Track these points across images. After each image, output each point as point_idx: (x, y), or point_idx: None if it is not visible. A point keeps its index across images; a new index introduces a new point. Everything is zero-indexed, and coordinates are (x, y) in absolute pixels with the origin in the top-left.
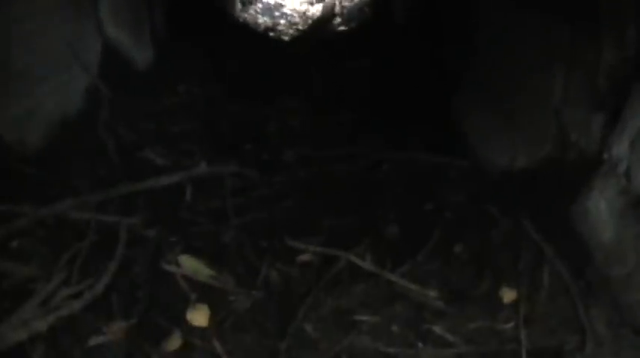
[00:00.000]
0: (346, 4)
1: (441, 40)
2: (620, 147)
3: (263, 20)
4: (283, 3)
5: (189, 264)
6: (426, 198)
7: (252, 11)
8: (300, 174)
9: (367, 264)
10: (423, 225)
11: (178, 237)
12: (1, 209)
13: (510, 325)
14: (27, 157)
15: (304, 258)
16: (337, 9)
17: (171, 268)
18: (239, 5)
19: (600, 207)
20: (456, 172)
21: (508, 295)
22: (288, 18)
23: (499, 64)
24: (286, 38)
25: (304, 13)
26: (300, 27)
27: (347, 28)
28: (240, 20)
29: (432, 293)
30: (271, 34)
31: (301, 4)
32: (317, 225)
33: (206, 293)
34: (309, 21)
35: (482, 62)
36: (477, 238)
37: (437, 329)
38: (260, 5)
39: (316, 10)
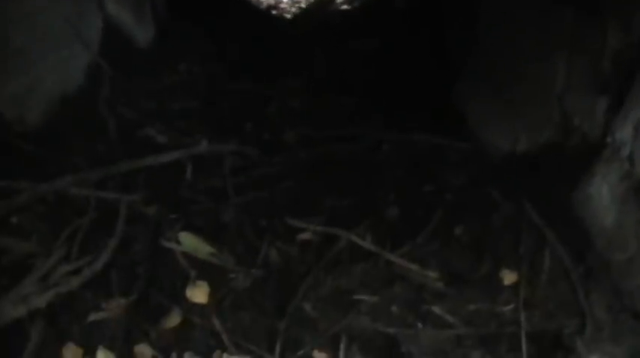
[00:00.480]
0: None
1: (442, 25)
2: (624, 132)
3: None
4: None
5: (189, 242)
6: (427, 180)
7: None
8: (300, 154)
9: (367, 244)
10: (424, 207)
11: (178, 214)
12: (0, 185)
13: (510, 307)
14: (26, 134)
15: (304, 236)
16: None
17: (171, 245)
18: None
19: (602, 192)
20: (457, 155)
21: (508, 277)
22: None
23: (501, 48)
24: (288, 16)
25: None
26: (303, 5)
27: (350, 8)
28: None
29: (432, 275)
30: (273, 12)
31: None
32: (317, 205)
33: (206, 271)
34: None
35: (485, 46)
36: (477, 221)
37: (436, 310)
38: None
39: None
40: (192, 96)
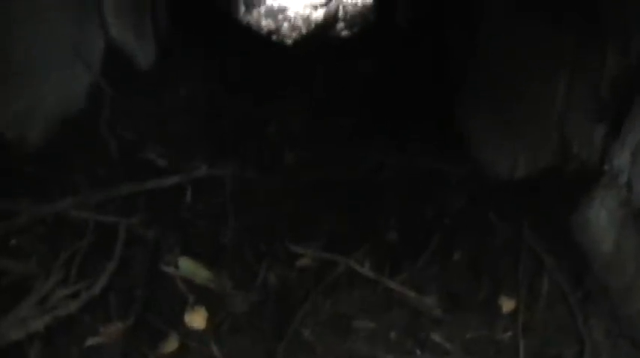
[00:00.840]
0: (349, 8)
1: (444, 46)
2: (622, 158)
3: (266, 23)
4: (286, 6)
5: (188, 266)
6: (426, 203)
7: (255, 14)
8: (300, 176)
9: (366, 270)
10: (423, 231)
11: (177, 238)
12: (0, 206)
13: (508, 334)
14: (27, 155)
15: (303, 262)
16: (340, 13)
17: (170, 270)
18: (242, 8)
19: (601, 217)
20: (456, 178)
21: (507, 304)
22: (291, 21)
23: (502, 70)
24: (289, 42)
25: (307, 17)
26: (303, 31)
27: (350, 33)
28: (244, 23)
29: (431, 301)
30: (274, 37)
31: (304, 8)
32: (316, 228)
33: (204, 296)
34: (312, 25)
35: (485, 68)
36: (476, 245)
37: (435, 336)
38: (263, 8)
39: (319, 14)
40: (193, 118)
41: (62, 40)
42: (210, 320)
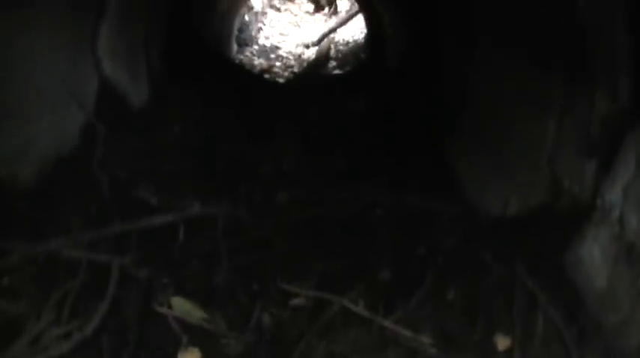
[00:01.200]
0: (341, 47)
1: (435, 85)
2: (613, 194)
3: (259, 62)
4: (279, 46)
5: (181, 306)
6: (419, 242)
7: (248, 53)
8: (293, 216)
9: (360, 309)
10: (416, 270)
11: (170, 277)
12: None
13: None
14: (20, 193)
15: (297, 301)
16: (332, 52)
17: (163, 309)
18: (235, 47)
19: (594, 253)
20: (448, 217)
21: (502, 342)
22: (284, 60)
23: (492, 110)
24: (281, 80)
25: (300, 56)
26: (296, 70)
27: (342, 72)
28: (236, 62)
29: (426, 340)
30: (267, 76)
31: (297, 47)
32: (310, 268)
33: (198, 336)
34: (305, 64)
35: (476, 108)
36: (470, 284)
37: None
38: (256, 47)
39: (311, 53)
40: (186, 157)
41: (56, 79)
42: None
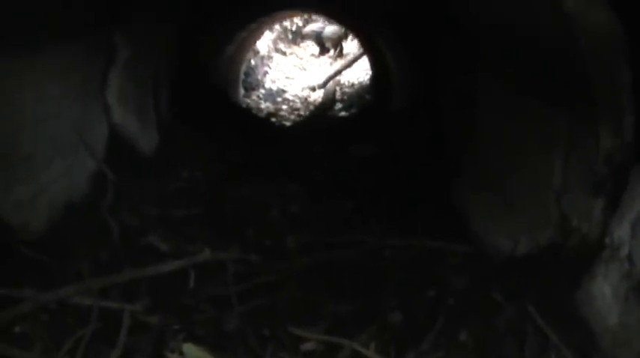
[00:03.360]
0: (346, 90)
1: (440, 125)
2: (622, 231)
3: (265, 106)
4: (285, 89)
5: (192, 352)
6: (429, 283)
7: (254, 97)
8: (302, 260)
9: (371, 353)
10: (427, 312)
11: (181, 324)
12: (4, 293)
13: None
14: (31, 241)
15: (308, 346)
16: (338, 95)
17: (174, 356)
18: (242, 91)
19: (604, 291)
20: (458, 257)
21: None
22: (290, 104)
23: (499, 149)
24: (288, 124)
25: (306, 99)
26: (302, 112)
27: (348, 114)
28: (243, 106)
29: None
30: (273, 119)
31: (303, 89)
32: (320, 312)
33: None
34: (311, 107)
35: (482, 147)
36: (481, 325)
37: None
38: (262, 91)
39: (318, 96)
40: (195, 203)
41: (66, 125)
42: None
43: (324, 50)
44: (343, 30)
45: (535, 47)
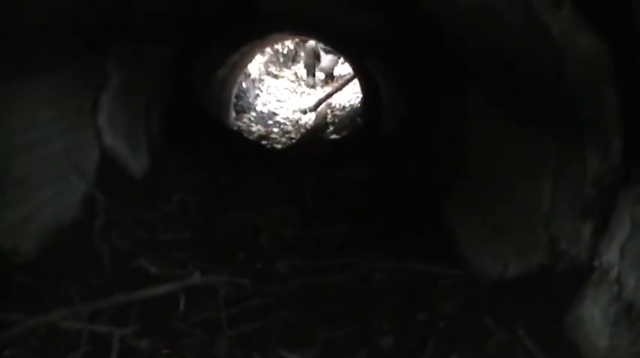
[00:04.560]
0: (338, 113)
1: (431, 148)
2: (610, 254)
3: (257, 129)
4: (276, 112)
5: None
6: (420, 307)
7: (245, 119)
8: (293, 284)
9: None
10: (418, 335)
11: (171, 348)
12: None
13: None
14: (21, 265)
15: None
16: (329, 118)
17: None
18: (233, 114)
19: (594, 314)
20: (449, 281)
21: None
22: (282, 126)
23: (489, 172)
24: (279, 146)
25: (297, 121)
26: (293, 135)
27: (339, 137)
28: (234, 128)
29: None
30: (264, 142)
31: (294, 112)
32: (311, 336)
33: None
34: (302, 129)
35: (473, 171)
36: (472, 348)
37: None
38: (254, 114)
39: (309, 118)
40: (186, 227)
41: (58, 149)
42: None
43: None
44: (338, 59)
45: (523, 72)
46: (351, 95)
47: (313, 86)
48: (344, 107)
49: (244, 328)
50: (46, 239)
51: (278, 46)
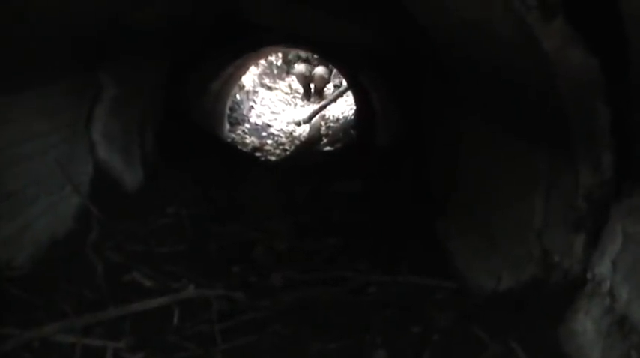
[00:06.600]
0: (332, 125)
1: (426, 162)
2: (603, 267)
3: (250, 140)
4: (270, 123)
5: None
6: (414, 320)
7: (239, 131)
8: (287, 297)
9: None
10: (412, 349)
11: None
12: None
13: None
14: (14, 278)
15: None
16: (323, 130)
17: None
18: (227, 126)
19: (586, 327)
20: (442, 294)
21: None
22: (275, 138)
23: (482, 186)
24: (273, 158)
25: (291, 133)
26: (287, 147)
27: (333, 149)
28: (228, 140)
29: None
30: (258, 154)
31: (288, 124)
32: (305, 349)
33: None
34: (296, 141)
35: (466, 184)
36: None
37: None
38: (248, 126)
39: (303, 130)
40: (179, 240)
41: (52, 162)
42: None
43: (308, 92)
44: (330, 71)
45: (516, 86)
46: (345, 107)
47: (307, 98)
48: (338, 119)
49: (238, 341)
50: (40, 252)
51: (272, 58)
